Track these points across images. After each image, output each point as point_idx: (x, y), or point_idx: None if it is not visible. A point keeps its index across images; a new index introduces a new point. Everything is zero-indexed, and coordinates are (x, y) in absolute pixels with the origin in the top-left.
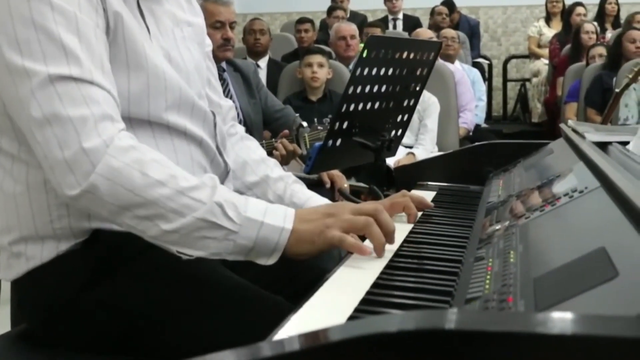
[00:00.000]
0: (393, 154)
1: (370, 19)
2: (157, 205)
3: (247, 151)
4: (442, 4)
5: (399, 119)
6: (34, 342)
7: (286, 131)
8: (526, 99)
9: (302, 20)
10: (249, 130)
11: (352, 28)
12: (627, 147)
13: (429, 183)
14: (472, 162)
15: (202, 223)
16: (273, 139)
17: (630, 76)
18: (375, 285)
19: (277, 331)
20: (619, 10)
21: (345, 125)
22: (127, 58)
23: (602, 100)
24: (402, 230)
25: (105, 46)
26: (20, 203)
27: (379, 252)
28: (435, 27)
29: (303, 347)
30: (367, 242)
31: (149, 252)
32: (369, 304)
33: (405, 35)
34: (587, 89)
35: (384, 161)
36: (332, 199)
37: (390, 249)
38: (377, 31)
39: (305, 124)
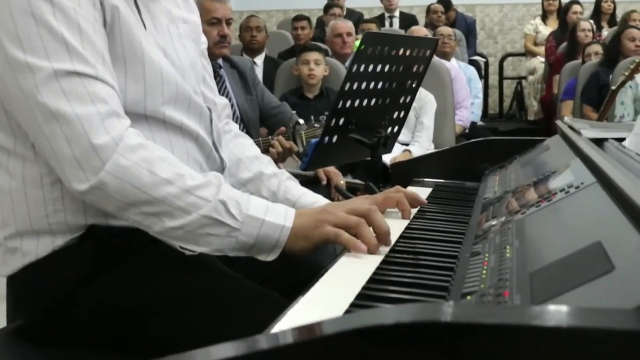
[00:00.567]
0: (389, 150)
1: (366, 16)
2: (164, 203)
3: (241, 148)
4: (439, 2)
5: (395, 115)
6: (29, 338)
7: (283, 128)
8: (522, 96)
9: (298, 18)
10: (246, 127)
11: (348, 25)
12: (623, 143)
13: (425, 179)
14: (468, 159)
15: (207, 220)
16: (270, 136)
17: (627, 74)
18: (371, 280)
19: (273, 326)
20: (615, 8)
21: (341, 121)
22: (123, 52)
23: (598, 97)
24: (398, 225)
25: (104, 41)
26: (15, 198)
27: (372, 252)
28: (431, 25)
29: (300, 340)
30: None
31: (144, 249)
32: (365, 299)
33: (402, 33)
34: (584, 85)
35: (380, 158)
36: (328, 196)
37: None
38: (373, 27)
39: (302, 121)
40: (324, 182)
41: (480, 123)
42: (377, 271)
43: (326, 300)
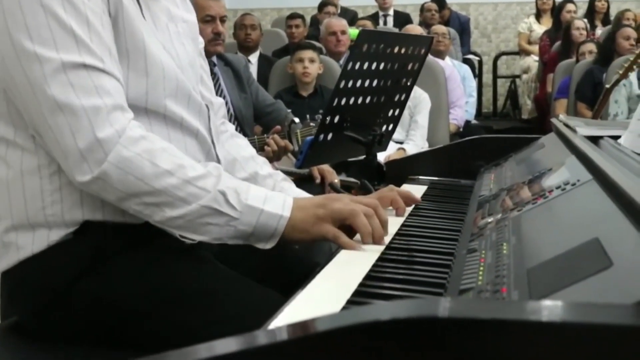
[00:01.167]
0: (384, 148)
1: (360, 15)
2: (165, 193)
3: (237, 148)
4: (432, 0)
5: (390, 113)
6: (24, 334)
7: (278, 127)
8: (516, 95)
9: (292, 16)
10: (240, 125)
11: (342, 24)
12: (619, 141)
13: (420, 177)
14: (463, 157)
15: (206, 210)
16: (265, 135)
17: (621, 72)
18: (367, 277)
19: (270, 322)
20: (608, 7)
21: (336, 119)
22: (126, 45)
23: (592, 95)
24: (394, 223)
25: (111, 34)
26: (12, 188)
27: (366, 242)
28: (425, 23)
29: (297, 336)
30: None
31: (140, 245)
32: (361, 296)
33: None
34: (578, 82)
35: (375, 156)
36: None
37: (383, 242)
38: (368, 25)
39: (297, 120)
40: (318, 180)
41: (474, 122)
42: (374, 268)
43: (323, 297)
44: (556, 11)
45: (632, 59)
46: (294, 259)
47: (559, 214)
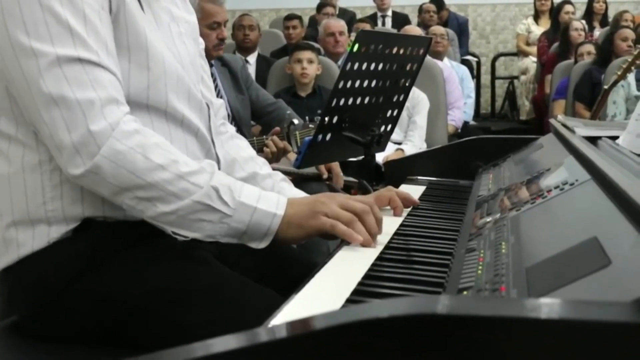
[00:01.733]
0: (382, 149)
1: (359, 15)
2: (157, 188)
3: (236, 149)
4: (431, 1)
5: (388, 114)
6: (24, 333)
7: (277, 128)
8: (514, 96)
9: (290, 17)
10: (238, 126)
11: (340, 24)
12: (617, 141)
13: (419, 177)
14: (462, 157)
15: (199, 206)
16: (264, 136)
17: (619, 73)
18: (366, 276)
19: (269, 322)
20: (606, 8)
21: (335, 120)
22: (128, 40)
23: (591, 95)
24: (393, 223)
25: (110, 28)
26: (14, 184)
27: (367, 245)
28: (423, 24)
29: (297, 333)
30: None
31: (140, 244)
32: (360, 295)
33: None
34: (577, 82)
35: (373, 156)
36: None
37: (381, 242)
38: (367, 27)
39: (296, 121)
40: (325, 175)
41: (472, 123)
42: (373, 268)
43: (322, 296)
44: (554, 12)
45: (630, 60)
46: (292, 258)
47: (557, 213)
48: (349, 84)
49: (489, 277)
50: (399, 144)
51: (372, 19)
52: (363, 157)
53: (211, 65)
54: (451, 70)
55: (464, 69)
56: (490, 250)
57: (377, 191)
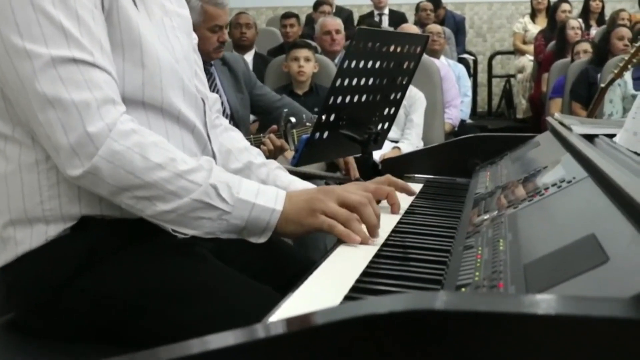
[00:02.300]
0: (380, 147)
1: (356, 14)
2: (156, 187)
3: (230, 140)
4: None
5: (385, 112)
6: (22, 330)
7: (274, 127)
8: (511, 95)
9: (287, 15)
10: (236, 125)
11: (337, 23)
12: (614, 139)
13: (416, 175)
14: (459, 155)
15: (198, 204)
16: (261, 134)
17: (616, 72)
18: (364, 274)
19: (267, 319)
20: (603, 7)
21: (332, 117)
22: (121, 37)
23: (587, 94)
24: (390, 220)
25: (103, 27)
26: (11, 183)
27: (364, 242)
28: (420, 22)
29: (295, 329)
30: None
31: (137, 241)
32: (358, 292)
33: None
34: (573, 82)
35: (370, 154)
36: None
37: (379, 239)
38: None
39: (294, 119)
40: (344, 172)
41: (469, 121)
42: (371, 265)
43: (320, 293)
44: (551, 11)
45: (627, 58)
46: (289, 255)
47: (555, 210)
48: (346, 82)
49: (487, 274)
50: (396, 142)
51: (368, 17)
52: (360, 154)
53: (211, 65)
54: (448, 68)
55: (461, 68)
56: (488, 248)
57: (376, 179)
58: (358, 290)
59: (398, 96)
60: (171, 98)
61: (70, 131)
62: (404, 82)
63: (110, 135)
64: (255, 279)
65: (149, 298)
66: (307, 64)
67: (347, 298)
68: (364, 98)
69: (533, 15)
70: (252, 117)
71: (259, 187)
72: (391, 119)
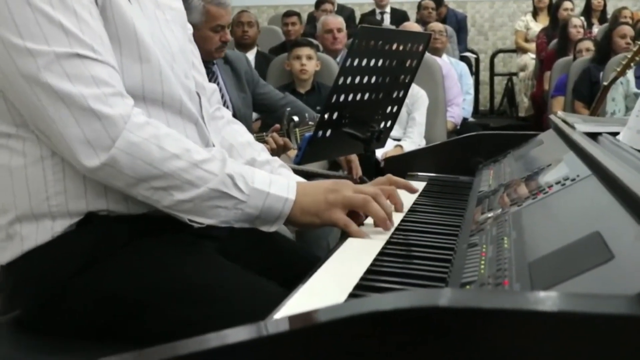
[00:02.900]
0: (382, 145)
1: (357, 12)
2: (173, 177)
3: (233, 134)
4: None
5: (388, 110)
6: (27, 327)
7: (277, 125)
8: (513, 93)
9: (288, 14)
10: None
11: (338, 21)
12: (617, 137)
13: (419, 174)
14: (462, 153)
15: (215, 193)
16: (264, 133)
17: (618, 70)
18: (369, 271)
19: (272, 316)
20: (605, 5)
21: (335, 116)
22: (117, 32)
23: (590, 93)
24: (394, 218)
25: (101, 23)
26: (16, 179)
27: (384, 227)
28: (422, 21)
29: (301, 326)
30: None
31: (143, 238)
32: (363, 290)
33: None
34: (575, 81)
35: (373, 152)
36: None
37: (383, 237)
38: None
39: (296, 118)
40: (346, 172)
41: (471, 119)
42: (375, 263)
43: (325, 291)
44: (553, 9)
45: (629, 56)
46: (293, 253)
47: (559, 208)
48: (349, 80)
49: (492, 272)
50: (398, 140)
51: (370, 15)
52: (363, 153)
53: (213, 63)
54: (450, 66)
55: (463, 66)
56: (493, 245)
57: (376, 180)
58: (362, 287)
59: (400, 94)
60: (171, 91)
61: (83, 125)
62: (407, 80)
63: (126, 127)
64: (260, 275)
65: (154, 295)
66: (309, 63)
67: (352, 295)
68: (366, 96)
69: (535, 13)
70: (254, 116)
71: (271, 177)
72: (394, 117)
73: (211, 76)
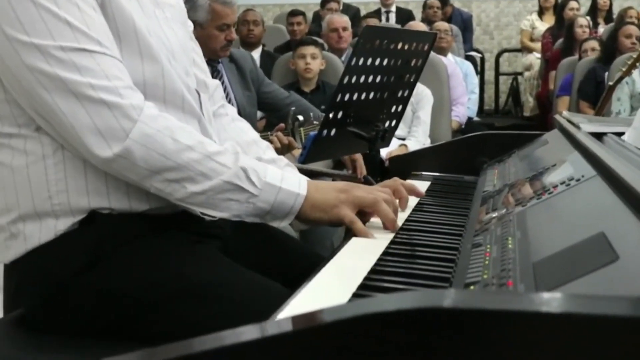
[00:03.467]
0: (387, 144)
1: (363, 11)
2: (187, 168)
3: (238, 132)
4: None
5: (393, 109)
6: (30, 326)
7: (282, 125)
8: (518, 92)
9: (294, 13)
10: None
11: (344, 20)
12: (622, 137)
13: (423, 173)
14: (466, 153)
15: (228, 186)
16: (268, 132)
17: (624, 69)
18: (372, 271)
19: (275, 316)
20: (611, 4)
21: (339, 115)
22: (117, 28)
23: (595, 93)
24: (398, 218)
25: (103, 18)
26: (18, 178)
27: (391, 229)
28: (427, 20)
29: (306, 326)
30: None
31: (146, 236)
32: (367, 290)
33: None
34: (581, 81)
35: (378, 151)
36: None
37: (387, 237)
38: (375, 22)
39: (301, 117)
40: (350, 171)
41: (476, 119)
42: (379, 262)
43: (329, 290)
44: (559, 8)
45: (634, 56)
46: (297, 252)
47: (564, 209)
48: (354, 79)
49: (496, 272)
50: (403, 139)
51: (376, 14)
52: (367, 152)
53: (218, 62)
54: (455, 66)
55: (468, 65)
56: (497, 246)
57: (383, 182)
58: (366, 287)
59: (405, 93)
60: (174, 87)
61: (96, 116)
62: (412, 80)
63: (140, 118)
64: (263, 275)
65: (157, 294)
66: (314, 61)
67: (356, 295)
68: (371, 95)
69: (540, 13)
70: (259, 114)
71: (282, 172)
72: (399, 116)
73: (216, 75)
